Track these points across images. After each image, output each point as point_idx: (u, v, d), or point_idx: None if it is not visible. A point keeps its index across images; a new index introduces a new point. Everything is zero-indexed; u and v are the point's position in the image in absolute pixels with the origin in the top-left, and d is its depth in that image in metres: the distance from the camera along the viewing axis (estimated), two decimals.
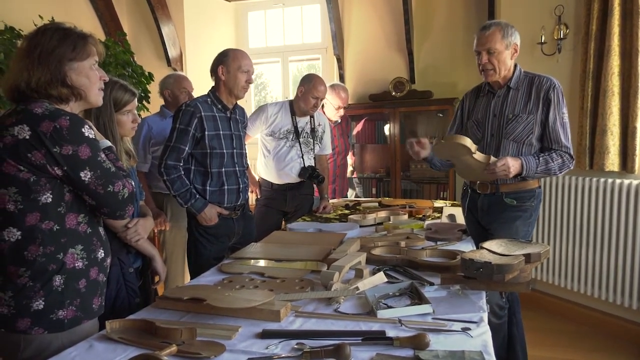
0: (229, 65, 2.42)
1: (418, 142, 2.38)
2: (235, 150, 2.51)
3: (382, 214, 2.86)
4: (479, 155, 2.14)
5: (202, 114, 2.38)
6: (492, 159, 2.15)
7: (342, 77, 5.00)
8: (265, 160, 3.14)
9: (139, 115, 4.30)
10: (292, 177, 3.09)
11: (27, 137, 1.28)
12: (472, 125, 2.43)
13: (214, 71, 2.46)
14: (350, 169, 4.56)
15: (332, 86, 3.81)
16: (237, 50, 2.50)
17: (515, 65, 2.33)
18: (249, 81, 2.46)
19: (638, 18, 2.88)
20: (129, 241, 1.75)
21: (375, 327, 1.33)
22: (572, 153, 2.25)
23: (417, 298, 1.50)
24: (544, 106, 2.24)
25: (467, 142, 2.10)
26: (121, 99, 1.76)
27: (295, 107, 3.09)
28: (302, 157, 3.09)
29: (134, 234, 1.74)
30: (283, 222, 3.24)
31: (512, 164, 2.14)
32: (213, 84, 2.52)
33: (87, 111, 1.60)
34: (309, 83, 3.03)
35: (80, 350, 1.24)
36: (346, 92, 3.82)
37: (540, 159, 2.20)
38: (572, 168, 2.28)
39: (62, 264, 1.35)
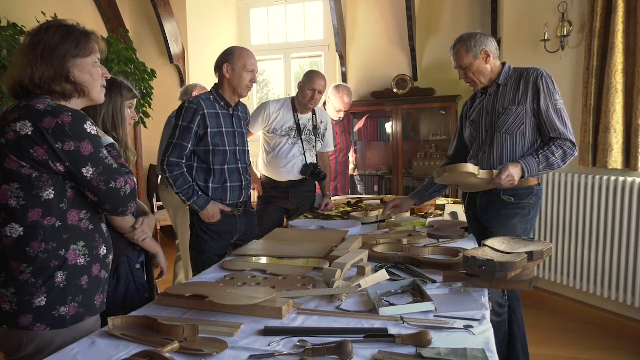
0: (234, 63, 2.41)
1: (394, 207, 2.62)
2: (238, 148, 2.50)
3: None
4: (483, 174, 2.17)
5: (205, 111, 2.38)
6: (495, 172, 2.18)
7: (344, 75, 4.99)
8: (267, 158, 3.14)
9: (144, 111, 4.32)
10: (294, 174, 3.08)
11: (30, 133, 1.28)
12: (469, 126, 2.46)
13: (219, 68, 2.45)
14: (351, 166, 4.56)
15: (337, 87, 3.81)
16: (243, 48, 2.50)
17: (504, 64, 2.34)
18: (253, 81, 2.46)
19: None
20: (137, 241, 1.75)
21: (377, 324, 1.32)
22: (573, 140, 2.21)
23: (419, 296, 1.50)
24: (534, 95, 2.22)
25: (470, 168, 2.14)
26: (127, 93, 1.85)
27: (296, 104, 3.09)
28: (304, 155, 3.08)
29: (142, 233, 1.75)
30: (285, 220, 3.24)
31: (515, 172, 2.15)
32: (215, 81, 2.51)
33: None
34: (307, 76, 3.05)
35: (83, 347, 1.24)
36: (350, 97, 3.82)
37: (540, 156, 2.19)
38: (576, 155, 2.23)
39: (64, 261, 1.35)
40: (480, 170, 2.17)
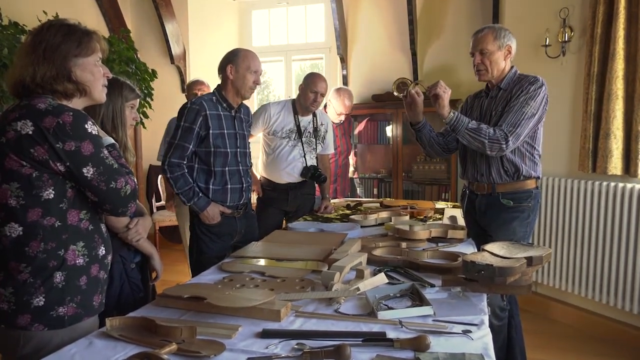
0: (238, 64, 2.41)
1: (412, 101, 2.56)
2: (239, 150, 2.50)
3: (384, 214, 2.85)
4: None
5: (207, 112, 2.37)
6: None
7: (345, 77, 5.00)
8: (267, 160, 3.13)
9: (144, 112, 4.32)
10: (294, 176, 3.08)
11: (30, 132, 1.28)
12: None
13: (222, 69, 2.45)
14: (351, 169, 4.55)
15: (338, 90, 3.81)
16: (247, 50, 2.50)
17: (512, 67, 2.35)
18: (256, 82, 2.46)
19: None
20: (130, 241, 1.75)
21: (375, 328, 1.32)
22: (507, 133, 2.16)
23: (417, 299, 1.50)
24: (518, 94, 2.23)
25: (421, 235, 2.22)
26: (129, 94, 1.85)
27: (297, 106, 3.09)
28: (304, 157, 3.08)
29: (135, 234, 1.74)
30: (284, 222, 3.24)
31: (443, 92, 2.30)
32: (217, 82, 2.51)
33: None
34: (309, 78, 3.05)
35: (80, 347, 1.24)
36: (351, 100, 3.82)
37: (474, 121, 2.23)
38: (503, 147, 2.16)
39: (62, 261, 1.35)
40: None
